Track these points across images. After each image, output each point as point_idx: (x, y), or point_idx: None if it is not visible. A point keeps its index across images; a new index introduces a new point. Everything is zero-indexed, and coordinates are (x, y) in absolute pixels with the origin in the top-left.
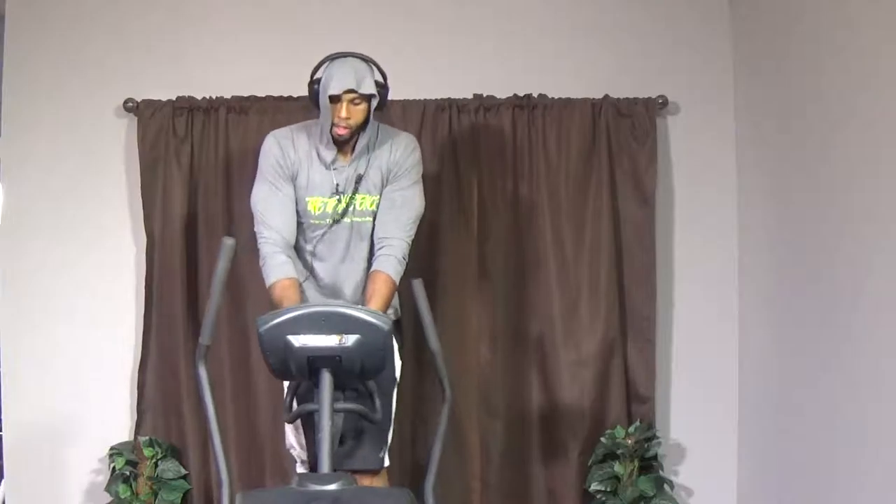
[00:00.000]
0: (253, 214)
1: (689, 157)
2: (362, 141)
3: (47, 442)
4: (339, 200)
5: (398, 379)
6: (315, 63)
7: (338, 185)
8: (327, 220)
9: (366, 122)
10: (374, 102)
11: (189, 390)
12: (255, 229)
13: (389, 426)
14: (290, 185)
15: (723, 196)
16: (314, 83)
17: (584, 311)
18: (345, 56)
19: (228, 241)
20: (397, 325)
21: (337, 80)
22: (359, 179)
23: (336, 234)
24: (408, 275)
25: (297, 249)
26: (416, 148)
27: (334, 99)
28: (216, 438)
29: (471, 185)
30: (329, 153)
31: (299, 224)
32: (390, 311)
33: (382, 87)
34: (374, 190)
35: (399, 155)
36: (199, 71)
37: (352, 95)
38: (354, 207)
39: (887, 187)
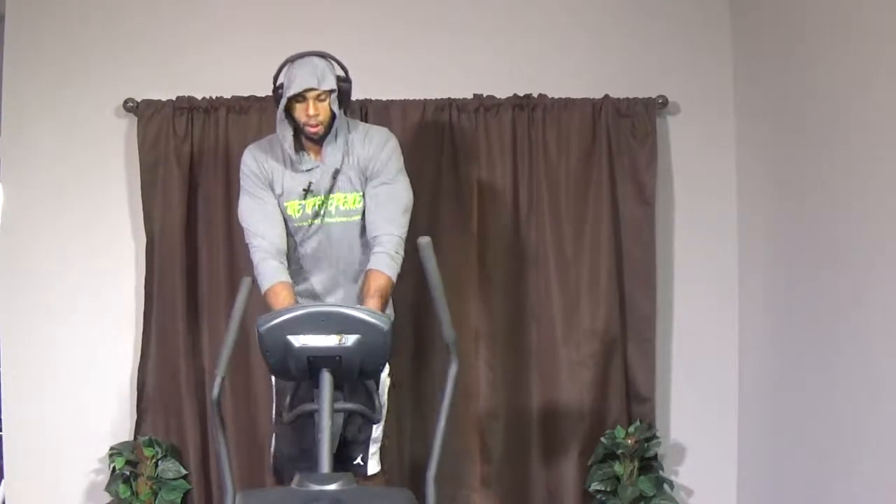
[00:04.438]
0: (243, 229)
1: (689, 157)
2: (331, 138)
3: (47, 442)
4: (318, 201)
5: (387, 383)
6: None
7: (311, 183)
8: (308, 221)
9: (334, 117)
10: (334, 96)
11: (189, 390)
12: (246, 241)
13: (370, 434)
14: (271, 194)
15: (723, 196)
16: (278, 88)
17: (584, 311)
18: (303, 56)
19: (247, 280)
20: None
21: (298, 80)
22: (335, 175)
23: (323, 235)
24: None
25: (291, 255)
26: (390, 139)
27: (299, 98)
28: (226, 474)
29: (471, 185)
30: (297, 156)
31: (288, 229)
32: (388, 310)
33: (345, 81)
34: (353, 187)
35: (373, 149)
36: (199, 71)
37: (315, 93)
38: (335, 207)
39: (887, 187)
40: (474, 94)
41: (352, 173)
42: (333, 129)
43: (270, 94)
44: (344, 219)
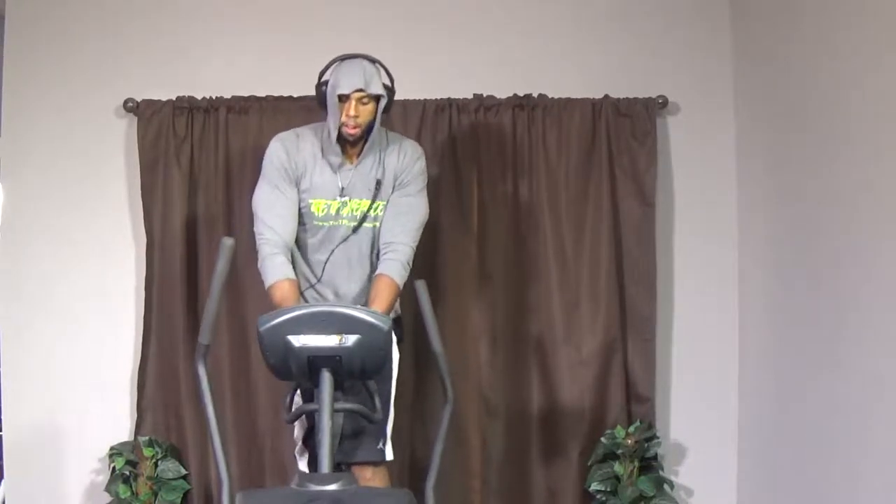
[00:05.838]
0: (253, 214)
1: (689, 157)
2: (369, 144)
3: (47, 442)
4: (344, 203)
5: (396, 372)
6: (317, 63)
7: (343, 187)
8: (330, 221)
9: (373, 123)
10: (383, 102)
11: (189, 390)
12: (255, 229)
13: (388, 418)
14: (294, 189)
15: (723, 196)
16: (322, 85)
17: (584, 310)
18: (353, 57)
19: (228, 242)
20: (396, 320)
21: (346, 80)
22: (378, 185)
23: (353, 238)
24: (413, 274)
25: (303, 251)
26: (423, 155)
27: (343, 98)
28: (216, 438)
29: (471, 185)
30: (335, 156)
31: (302, 226)
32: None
33: (389, 90)
34: (385, 196)
35: (406, 161)
36: (199, 71)
37: (360, 94)
38: (374, 213)
39: (888, 187)
40: (474, 94)
41: (385, 182)
42: (372, 137)
43: (312, 90)
44: (370, 224)
